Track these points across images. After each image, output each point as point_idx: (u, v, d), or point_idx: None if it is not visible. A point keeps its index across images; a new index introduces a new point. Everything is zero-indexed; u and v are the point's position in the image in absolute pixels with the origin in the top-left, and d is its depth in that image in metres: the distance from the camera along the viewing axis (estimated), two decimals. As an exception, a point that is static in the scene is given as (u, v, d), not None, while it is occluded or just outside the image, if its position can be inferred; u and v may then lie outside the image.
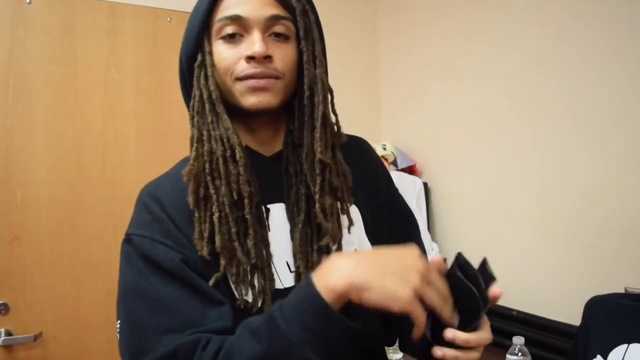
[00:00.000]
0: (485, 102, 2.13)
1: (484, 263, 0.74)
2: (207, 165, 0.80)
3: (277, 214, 0.86)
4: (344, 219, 0.88)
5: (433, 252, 2.28)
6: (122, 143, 2.06)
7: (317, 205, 0.82)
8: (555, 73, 1.84)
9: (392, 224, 1.01)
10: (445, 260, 0.77)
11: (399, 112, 2.66)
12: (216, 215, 0.79)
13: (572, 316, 1.76)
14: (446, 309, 0.70)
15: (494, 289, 0.71)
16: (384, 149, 2.39)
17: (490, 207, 2.13)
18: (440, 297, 0.69)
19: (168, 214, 0.82)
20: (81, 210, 1.98)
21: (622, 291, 1.62)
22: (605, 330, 1.18)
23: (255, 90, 0.80)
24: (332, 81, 0.90)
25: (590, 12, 1.73)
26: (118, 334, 0.80)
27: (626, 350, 1.11)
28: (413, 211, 2.27)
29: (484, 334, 0.74)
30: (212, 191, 0.79)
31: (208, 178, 0.79)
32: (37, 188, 1.91)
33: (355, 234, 0.90)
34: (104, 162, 2.03)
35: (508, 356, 1.59)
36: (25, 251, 1.89)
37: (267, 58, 0.80)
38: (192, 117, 0.83)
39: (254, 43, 0.79)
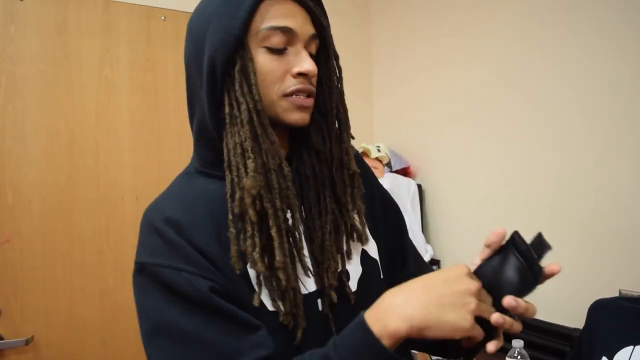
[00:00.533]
0: (478, 105, 2.15)
1: (539, 237, 0.77)
2: (261, 178, 0.76)
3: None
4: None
5: (427, 254, 2.29)
6: (115, 143, 2.03)
7: (351, 212, 0.86)
8: (551, 76, 1.86)
9: (388, 222, 1.03)
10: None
11: (392, 114, 2.67)
12: (274, 230, 0.76)
13: (568, 319, 1.79)
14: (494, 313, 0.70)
15: (550, 267, 0.76)
16: (379, 150, 2.39)
17: (484, 209, 2.15)
18: (491, 307, 0.70)
19: (187, 236, 0.77)
20: (74, 212, 1.95)
21: (617, 294, 1.65)
22: (610, 333, 1.19)
23: (300, 108, 0.80)
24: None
25: (588, 12, 1.76)
26: None
27: (632, 352, 1.13)
28: (407, 213, 2.29)
29: (534, 306, 0.75)
30: (267, 204, 0.76)
31: (263, 192, 0.76)
32: (28, 189, 1.87)
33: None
34: (97, 163, 1.99)
35: (507, 359, 1.61)
36: (17, 253, 1.85)
37: (313, 76, 0.80)
38: (232, 126, 0.78)
39: (304, 60, 0.78)
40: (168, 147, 2.13)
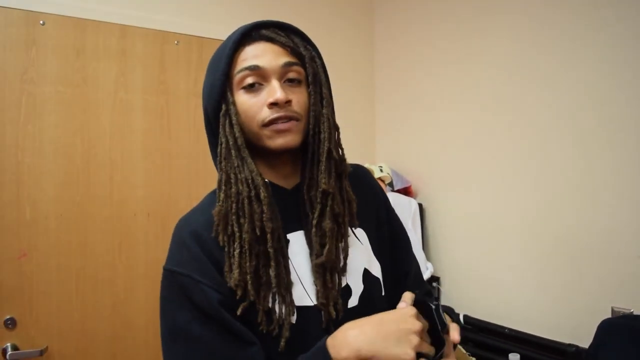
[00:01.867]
0: (479, 126, 2.23)
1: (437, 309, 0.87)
2: (233, 205, 0.88)
3: (298, 241, 0.95)
4: (351, 241, 0.98)
5: (428, 271, 2.36)
6: (129, 162, 2.11)
7: (314, 229, 0.92)
8: (551, 97, 1.94)
9: (393, 242, 1.11)
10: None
11: (393, 134, 2.75)
12: (237, 251, 0.87)
13: (562, 334, 1.85)
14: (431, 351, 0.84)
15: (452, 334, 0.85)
16: (381, 170, 2.47)
17: (483, 228, 2.22)
18: (429, 346, 0.83)
19: (207, 248, 0.89)
20: (88, 228, 2.02)
21: (609, 311, 1.72)
22: (620, 352, 1.21)
23: (280, 132, 0.89)
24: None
25: (590, 36, 1.84)
26: None
27: None
28: (408, 231, 2.37)
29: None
30: (235, 229, 0.87)
31: (234, 217, 0.88)
32: (46, 206, 1.95)
33: (364, 253, 1.01)
34: (112, 181, 2.07)
35: (504, 373, 1.68)
36: (33, 267, 1.91)
37: (288, 102, 0.89)
38: (220, 162, 0.91)
39: (275, 91, 0.88)
40: (178, 167, 2.21)
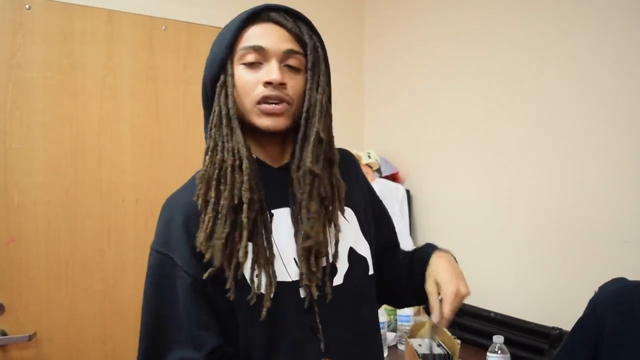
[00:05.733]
0: (466, 112, 2.25)
1: None
2: (216, 172, 0.91)
3: (282, 217, 0.98)
4: (341, 223, 1.01)
5: (415, 256, 2.38)
6: (118, 148, 2.11)
7: (304, 210, 0.94)
8: (535, 84, 1.97)
9: (379, 220, 1.19)
10: None
11: (382, 121, 2.77)
12: (210, 215, 0.90)
13: (545, 318, 1.89)
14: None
15: None
16: (369, 157, 2.48)
17: (469, 214, 2.25)
18: None
19: (190, 226, 0.93)
20: (77, 214, 2.02)
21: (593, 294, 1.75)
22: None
23: (270, 114, 0.92)
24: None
25: (582, 24, 1.86)
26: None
27: None
28: (396, 217, 2.39)
29: None
30: (212, 194, 0.91)
31: (214, 183, 0.91)
32: (34, 191, 1.94)
33: (351, 232, 1.05)
34: (100, 167, 2.07)
35: (489, 354, 1.71)
36: (22, 253, 1.91)
37: (282, 85, 0.92)
38: (210, 129, 0.94)
39: (272, 71, 0.91)
40: (168, 153, 2.21)
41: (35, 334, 1.92)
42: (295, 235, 0.96)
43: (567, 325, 1.77)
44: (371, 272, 1.06)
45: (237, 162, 0.90)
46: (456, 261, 1.06)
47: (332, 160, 1.00)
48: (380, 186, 2.38)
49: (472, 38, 2.22)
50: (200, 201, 0.91)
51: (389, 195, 2.41)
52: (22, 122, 1.93)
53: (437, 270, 1.00)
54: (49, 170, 1.97)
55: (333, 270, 0.98)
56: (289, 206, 0.98)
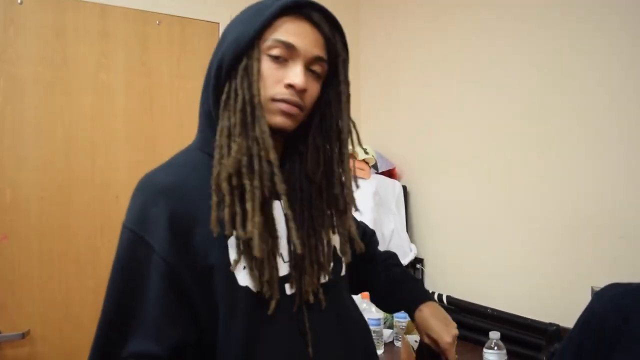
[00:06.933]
0: (463, 108, 2.24)
1: None
2: (244, 158, 0.85)
3: (275, 210, 0.94)
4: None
5: (411, 253, 2.38)
6: (111, 144, 2.09)
7: (349, 230, 0.97)
8: (531, 81, 1.95)
9: None
10: None
11: (378, 117, 2.75)
12: (250, 204, 0.84)
13: (542, 314, 1.88)
14: None
15: None
16: (366, 152, 2.47)
17: (466, 211, 2.24)
18: None
19: (172, 207, 0.86)
20: (70, 211, 2.00)
21: (589, 291, 1.74)
22: None
23: (284, 114, 0.88)
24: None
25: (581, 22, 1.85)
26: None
27: None
28: (392, 213, 2.38)
29: None
30: (246, 182, 0.85)
31: (244, 170, 0.85)
32: (26, 188, 1.93)
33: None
34: (93, 163, 2.05)
35: (485, 350, 1.70)
36: (15, 250, 1.90)
37: (303, 91, 0.89)
38: (228, 112, 0.87)
39: (298, 75, 0.87)
40: (161, 149, 2.19)
41: (29, 331, 1.91)
42: (289, 235, 0.93)
43: (564, 321, 1.77)
44: (344, 272, 1.05)
45: (263, 152, 0.86)
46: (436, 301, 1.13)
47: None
48: (376, 182, 2.37)
49: (469, 34, 2.20)
50: (225, 186, 0.84)
51: (385, 191, 2.40)
52: (14, 118, 1.92)
53: (427, 325, 1.10)
54: (41, 167, 1.96)
55: (324, 270, 0.97)
56: (279, 200, 0.94)
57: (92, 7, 2.05)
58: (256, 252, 0.83)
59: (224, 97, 0.88)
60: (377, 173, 2.50)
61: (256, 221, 0.84)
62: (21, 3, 1.92)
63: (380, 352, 1.89)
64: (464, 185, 2.25)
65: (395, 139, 2.63)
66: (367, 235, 1.28)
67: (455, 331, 1.07)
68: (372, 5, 2.76)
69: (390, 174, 2.55)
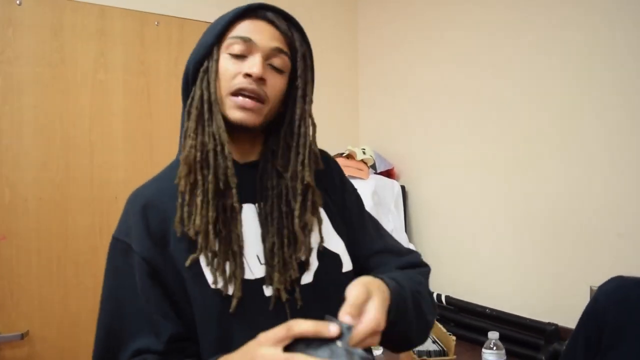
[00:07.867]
0: (461, 108, 2.24)
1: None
2: (198, 154, 0.90)
3: (248, 212, 0.96)
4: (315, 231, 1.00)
5: (410, 252, 2.37)
6: (109, 144, 2.09)
7: (297, 221, 0.94)
8: (531, 79, 1.95)
9: (356, 224, 1.11)
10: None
11: (377, 117, 2.75)
12: (199, 199, 0.88)
13: (541, 313, 1.88)
14: None
15: None
16: (364, 153, 2.47)
17: (464, 211, 2.24)
18: None
19: (154, 217, 0.92)
20: (69, 210, 2.00)
21: (588, 291, 1.74)
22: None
23: (242, 108, 0.91)
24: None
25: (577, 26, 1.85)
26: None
27: None
28: (391, 213, 2.37)
29: None
30: (199, 177, 0.89)
31: (198, 166, 0.89)
32: (25, 188, 1.92)
33: (323, 231, 1.01)
34: (92, 163, 2.05)
35: (484, 350, 1.70)
36: (13, 250, 1.90)
37: (262, 80, 0.91)
38: (189, 111, 0.93)
39: (255, 65, 0.90)
40: (160, 148, 2.19)
41: (28, 332, 1.90)
42: (263, 236, 0.95)
43: (563, 320, 1.77)
44: (347, 268, 1.02)
45: (219, 147, 0.90)
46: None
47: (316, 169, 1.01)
48: (374, 182, 2.37)
49: (468, 32, 2.21)
50: (183, 183, 0.89)
51: (384, 191, 2.40)
52: (12, 117, 1.91)
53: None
54: (39, 167, 1.95)
55: (302, 268, 0.96)
56: (253, 203, 0.97)
57: (91, 8, 2.05)
58: (211, 245, 0.87)
59: (188, 100, 0.94)
60: (376, 173, 2.50)
61: (205, 214, 0.88)
62: (20, 3, 1.92)
63: (379, 352, 1.89)
64: (462, 185, 2.25)
65: (393, 139, 2.64)
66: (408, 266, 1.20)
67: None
68: (370, 6, 2.76)
69: (388, 174, 2.56)
